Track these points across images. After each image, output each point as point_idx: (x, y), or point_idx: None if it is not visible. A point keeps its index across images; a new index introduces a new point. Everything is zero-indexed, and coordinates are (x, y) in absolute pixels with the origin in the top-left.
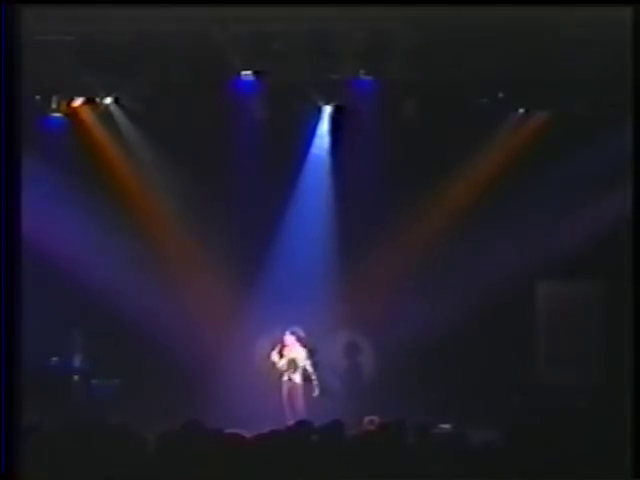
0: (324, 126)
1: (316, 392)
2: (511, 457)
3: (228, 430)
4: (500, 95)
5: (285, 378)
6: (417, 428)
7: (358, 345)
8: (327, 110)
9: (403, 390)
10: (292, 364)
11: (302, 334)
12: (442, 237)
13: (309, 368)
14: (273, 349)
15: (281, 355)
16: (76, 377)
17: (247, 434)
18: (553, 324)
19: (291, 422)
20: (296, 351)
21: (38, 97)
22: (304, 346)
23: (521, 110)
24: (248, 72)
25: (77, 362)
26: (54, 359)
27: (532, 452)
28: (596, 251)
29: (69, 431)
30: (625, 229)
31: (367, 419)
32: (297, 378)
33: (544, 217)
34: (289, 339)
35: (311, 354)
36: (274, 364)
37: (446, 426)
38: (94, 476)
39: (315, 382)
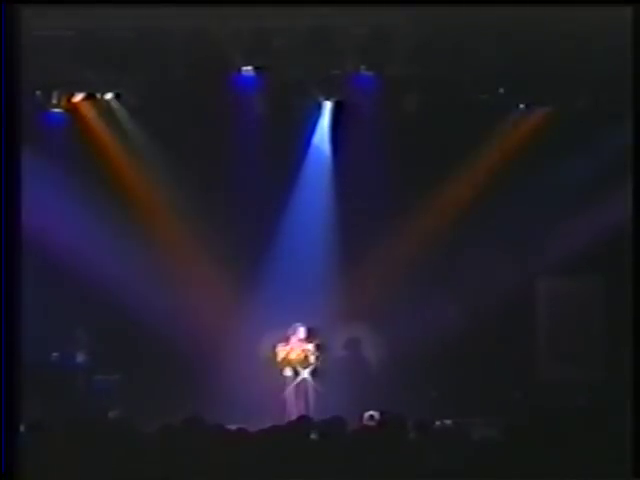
0: (325, 122)
1: (322, 387)
2: (511, 454)
3: (229, 425)
4: (500, 91)
5: (290, 373)
6: (417, 424)
7: (359, 340)
8: (328, 106)
9: (404, 386)
10: (300, 359)
11: (309, 329)
12: (442, 233)
13: (316, 363)
14: (280, 344)
15: (289, 350)
16: (78, 373)
17: (248, 429)
18: (554, 322)
19: (294, 417)
20: (303, 346)
21: (38, 92)
22: (311, 341)
23: (521, 106)
24: (249, 68)
25: (79, 358)
26: (55, 355)
27: (532, 450)
28: (597, 249)
29: (71, 427)
30: (626, 227)
31: (367, 414)
32: (305, 373)
33: (545, 214)
34: (296, 334)
35: (318, 349)
36: (281, 359)
37: (447, 422)
38: (96, 472)
39: (321, 377)
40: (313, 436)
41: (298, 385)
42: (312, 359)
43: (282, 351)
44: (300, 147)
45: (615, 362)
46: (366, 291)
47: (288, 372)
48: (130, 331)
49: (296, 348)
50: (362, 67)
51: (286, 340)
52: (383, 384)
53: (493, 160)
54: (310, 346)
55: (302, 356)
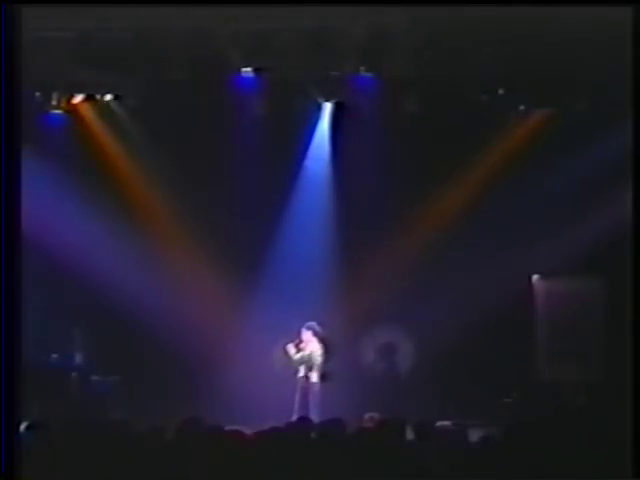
0: (324, 123)
1: (328, 388)
2: (510, 455)
3: (228, 427)
4: (500, 92)
5: (301, 374)
6: (416, 425)
7: (357, 343)
8: (327, 107)
9: (403, 387)
10: (308, 360)
11: (319, 329)
12: (442, 234)
13: (325, 364)
14: (289, 344)
15: (297, 350)
16: (76, 374)
17: (248, 431)
18: (553, 322)
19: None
20: (313, 346)
21: (38, 94)
22: (321, 341)
23: (521, 107)
24: (248, 69)
25: (77, 359)
26: (54, 356)
27: (531, 450)
28: (596, 249)
29: (69, 428)
30: (625, 227)
31: (367, 416)
32: (314, 375)
33: (544, 214)
34: (306, 334)
35: (328, 349)
36: (289, 359)
37: (446, 423)
38: (94, 473)
39: (329, 378)
40: (312, 437)
41: (309, 387)
42: (321, 360)
43: (294, 351)
44: (300, 148)
45: (615, 362)
46: (366, 292)
47: (300, 373)
48: (129, 333)
49: (308, 348)
50: (362, 68)
51: (299, 340)
52: (383, 385)
53: (493, 161)
54: (322, 346)
55: (314, 357)
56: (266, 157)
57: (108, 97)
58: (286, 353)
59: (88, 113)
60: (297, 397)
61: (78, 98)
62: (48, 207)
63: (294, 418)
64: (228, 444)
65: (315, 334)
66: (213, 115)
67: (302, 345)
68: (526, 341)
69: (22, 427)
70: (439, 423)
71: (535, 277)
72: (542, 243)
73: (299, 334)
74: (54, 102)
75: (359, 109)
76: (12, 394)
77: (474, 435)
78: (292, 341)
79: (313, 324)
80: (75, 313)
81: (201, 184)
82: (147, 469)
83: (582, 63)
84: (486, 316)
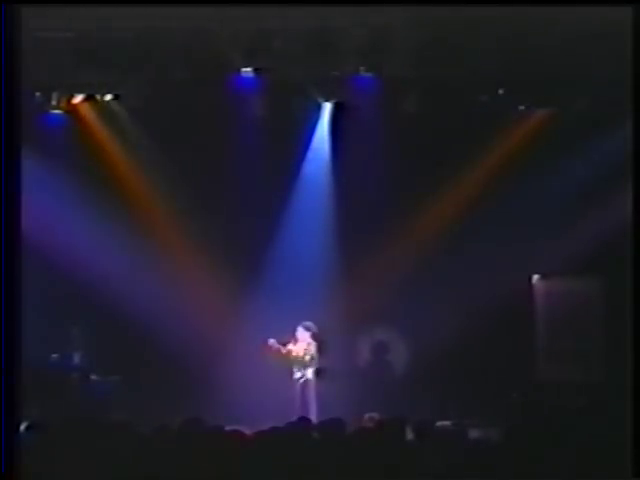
0: (324, 123)
1: (325, 387)
2: (510, 455)
3: (228, 427)
4: (500, 92)
5: (297, 375)
6: (416, 425)
7: (355, 343)
8: (327, 107)
9: (402, 387)
10: (303, 359)
11: (315, 329)
12: (442, 234)
13: (319, 363)
14: (285, 343)
15: (293, 350)
16: (76, 374)
17: (248, 431)
18: (553, 322)
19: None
20: (308, 346)
21: (38, 94)
22: (316, 340)
23: (521, 107)
24: (248, 69)
25: (77, 359)
26: (54, 356)
27: (531, 450)
28: (596, 249)
29: (69, 428)
30: (625, 227)
31: (367, 416)
32: (309, 374)
33: (544, 214)
34: (302, 334)
35: (323, 349)
36: (285, 358)
37: (446, 423)
38: (94, 473)
39: (325, 377)
40: (312, 437)
41: (305, 385)
42: (314, 359)
43: (289, 350)
44: (300, 148)
45: (615, 362)
46: (365, 292)
47: (295, 372)
48: (129, 333)
49: (304, 347)
50: (362, 68)
51: (294, 339)
52: (383, 385)
53: (493, 161)
54: (316, 345)
55: (309, 356)
56: (266, 157)
57: (108, 97)
58: (278, 354)
59: (88, 113)
60: (295, 398)
61: (78, 98)
62: (48, 207)
63: (294, 418)
64: (228, 444)
65: (312, 335)
66: (213, 115)
67: (298, 344)
68: (526, 341)
69: (22, 427)
70: (439, 423)
71: (535, 277)
72: (542, 243)
73: (296, 334)
74: (54, 102)
75: (359, 109)
76: (12, 394)
77: (474, 435)
78: (288, 341)
79: (310, 324)
80: (75, 313)
81: (201, 184)
82: (147, 469)
83: (582, 63)
84: (486, 316)
